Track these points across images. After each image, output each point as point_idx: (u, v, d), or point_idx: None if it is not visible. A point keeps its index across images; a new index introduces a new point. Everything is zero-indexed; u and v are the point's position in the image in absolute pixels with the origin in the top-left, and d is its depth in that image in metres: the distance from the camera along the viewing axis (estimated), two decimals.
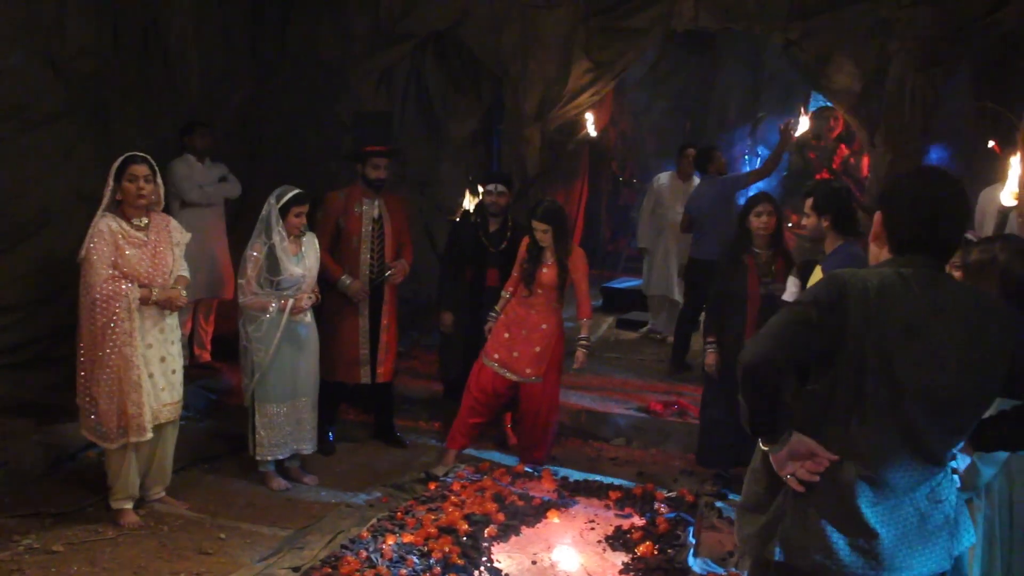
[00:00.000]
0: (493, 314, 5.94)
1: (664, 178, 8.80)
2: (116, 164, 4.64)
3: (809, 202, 4.52)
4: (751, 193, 6.49)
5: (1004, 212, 5.75)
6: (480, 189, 6.60)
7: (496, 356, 5.82)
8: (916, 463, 2.35)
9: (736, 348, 5.52)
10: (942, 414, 2.34)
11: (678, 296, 8.66)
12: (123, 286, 4.60)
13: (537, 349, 5.77)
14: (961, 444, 2.50)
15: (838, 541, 2.34)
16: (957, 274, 3.27)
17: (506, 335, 5.82)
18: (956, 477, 2.61)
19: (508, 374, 5.79)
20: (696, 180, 8.39)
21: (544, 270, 5.72)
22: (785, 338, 2.34)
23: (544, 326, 5.78)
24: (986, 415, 2.49)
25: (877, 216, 2.54)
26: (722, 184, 7.66)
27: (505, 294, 5.94)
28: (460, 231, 6.62)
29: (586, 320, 5.89)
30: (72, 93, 6.31)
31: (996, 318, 2.38)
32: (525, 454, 5.96)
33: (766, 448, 2.46)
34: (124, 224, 4.66)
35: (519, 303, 5.83)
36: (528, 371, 5.77)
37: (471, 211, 6.58)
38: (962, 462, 2.63)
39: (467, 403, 5.91)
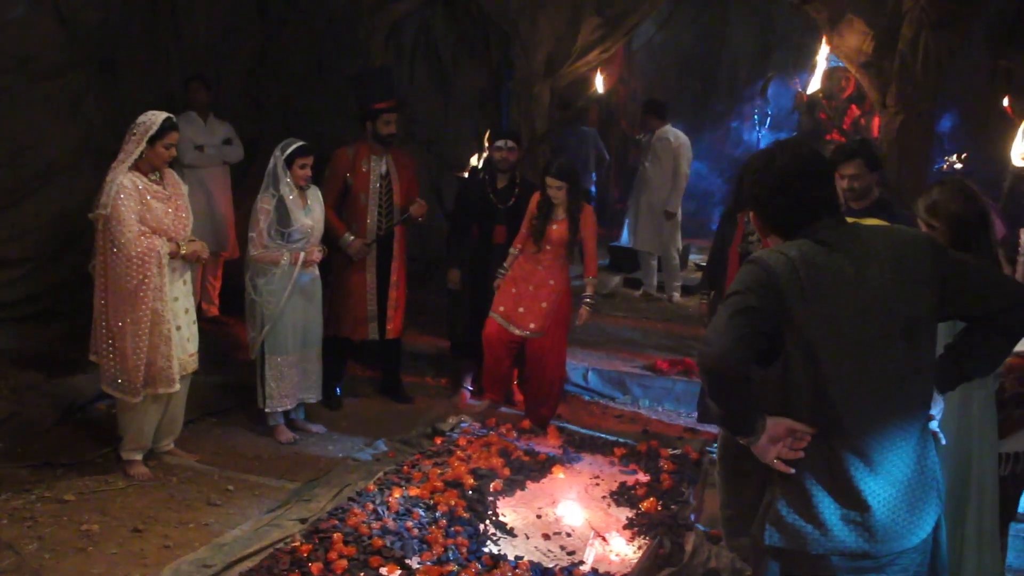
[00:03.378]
0: (502, 270, 5.96)
1: (642, 138, 9.16)
2: (154, 127, 4.57)
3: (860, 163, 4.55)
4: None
5: (1015, 173, 5.73)
6: (488, 145, 6.55)
7: (501, 309, 5.86)
8: (895, 424, 2.31)
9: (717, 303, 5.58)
10: (904, 360, 2.32)
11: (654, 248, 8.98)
12: (156, 242, 4.61)
13: (544, 305, 5.79)
14: (935, 394, 2.49)
15: (831, 516, 2.30)
16: (923, 228, 3.33)
17: (513, 290, 5.85)
18: (934, 426, 2.61)
19: (512, 328, 5.82)
20: (663, 133, 8.80)
21: (554, 227, 5.73)
22: (735, 330, 2.28)
23: (551, 282, 5.80)
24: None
25: (752, 217, 2.55)
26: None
27: (513, 251, 5.95)
28: (468, 188, 6.60)
29: (592, 278, 5.90)
30: (78, 45, 6.26)
31: (915, 247, 2.37)
32: (531, 411, 6.00)
33: (744, 442, 2.41)
34: (144, 179, 4.65)
35: (527, 259, 5.85)
36: (532, 326, 5.79)
37: (479, 168, 6.54)
38: (936, 410, 2.63)
39: (485, 360, 6.02)
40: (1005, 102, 7.90)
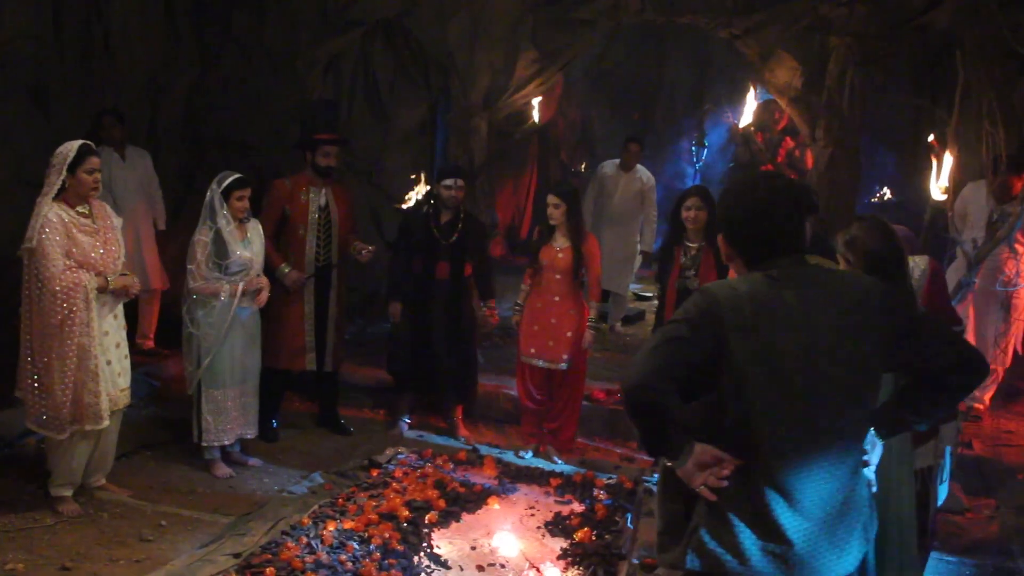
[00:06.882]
0: (517, 307, 6.14)
1: (608, 168, 8.89)
2: (71, 154, 4.54)
3: None
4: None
5: (935, 206, 5.92)
6: (433, 182, 6.52)
7: (532, 351, 5.98)
8: (820, 464, 2.34)
9: None
10: (841, 404, 2.35)
11: (618, 288, 8.85)
12: (82, 276, 4.56)
13: (569, 334, 5.94)
14: (871, 436, 2.52)
15: (751, 547, 2.34)
16: (841, 262, 3.44)
17: (535, 328, 5.97)
18: (870, 476, 2.61)
19: (545, 363, 5.96)
20: (638, 171, 8.65)
21: (560, 255, 5.86)
22: (661, 358, 2.33)
23: (571, 311, 5.94)
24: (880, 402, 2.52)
25: (721, 239, 2.57)
26: None
27: (524, 287, 6.11)
28: (411, 221, 6.49)
29: (594, 303, 6.03)
30: (9, 76, 6.21)
31: (870, 295, 2.40)
32: (555, 437, 6.15)
33: (671, 464, 2.45)
34: (71, 212, 4.61)
35: (539, 294, 5.99)
36: (565, 356, 5.93)
37: (422, 201, 6.52)
38: (875, 456, 2.66)
39: (522, 404, 6.18)
40: (931, 138, 8.16)
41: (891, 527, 3.36)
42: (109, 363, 4.75)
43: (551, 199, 5.88)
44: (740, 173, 11.66)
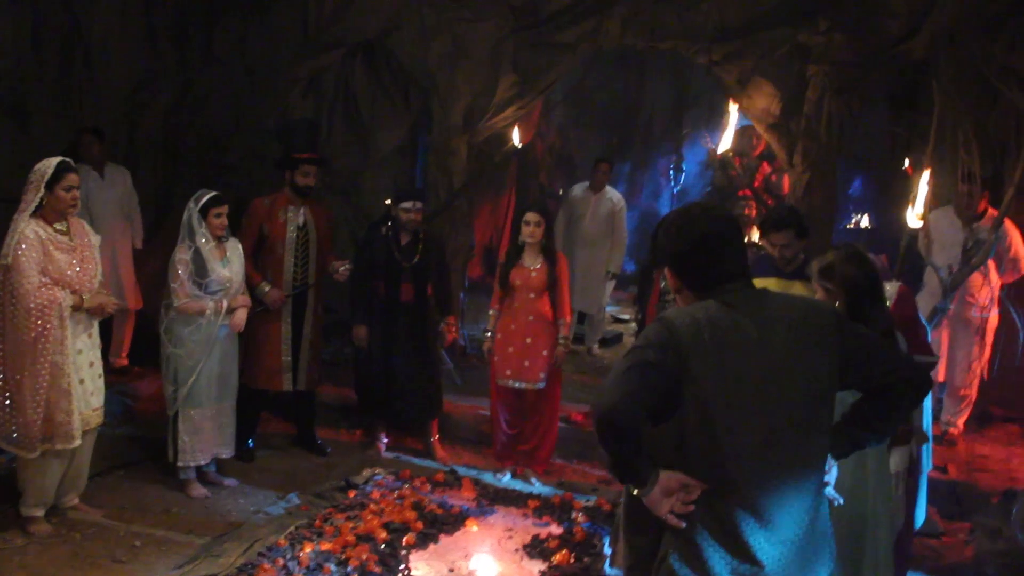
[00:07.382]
0: (488, 333, 6.10)
1: (577, 190, 9.03)
2: (49, 171, 4.51)
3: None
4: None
5: (911, 233, 5.99)
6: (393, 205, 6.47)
7: (508, 372, 5.97)
8: (788, 484, 2.36)
9: None
10: (802, 424, 2.39)
11: (593, 309, 8.90)
12: (58, 294, 4.52)
13: (545, 353, 5.94)
14: (829, 459, 2.55)
15: (723, 571, 2.34)
16: (819, 290, 3.49)
17: (510, 349, 5.95)
18: (831, 492, 2.66)
19: (521, 384, 5.96)
20: (608, 192, 8.78)
21: (533, 273, 5.88)
22: (630, 384, 2.34)
23: (547, 329, 5.95)
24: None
25: (668, 273, 2.63)
26: None
27: (493, 311, 6.09)
28: (370, 244, 6.44)
29: (564, 320, 6.02)
30: None
31: (820, 317, 2.47)
32: (532, 456, 6.15)
33: (637, 493, 2.46)
34: (49, 229, 4.58)
35: (512, 315, 5.96)
36: (542, 375, 5.94)
37: (379, 223, 6.47)
38: (831, 476, 2.69)
39: (496, 429, 6.15)
40: (906, 164, 8.25)
41: (867, 553, 3.39)
42: (82, 382, 4.70)
43: (532, 216, 5.87)
44: (716, 198, 11.75)
